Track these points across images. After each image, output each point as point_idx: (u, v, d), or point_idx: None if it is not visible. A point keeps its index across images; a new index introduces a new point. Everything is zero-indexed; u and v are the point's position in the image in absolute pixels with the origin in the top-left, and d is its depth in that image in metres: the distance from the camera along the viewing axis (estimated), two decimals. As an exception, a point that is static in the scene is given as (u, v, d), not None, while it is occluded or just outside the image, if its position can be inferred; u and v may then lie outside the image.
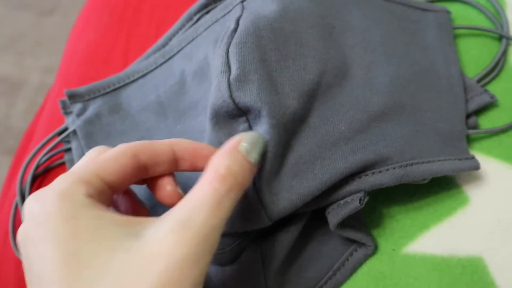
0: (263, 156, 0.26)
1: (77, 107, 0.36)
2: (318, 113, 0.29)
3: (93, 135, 0.35)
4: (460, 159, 0.31)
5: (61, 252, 0.20)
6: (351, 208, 0.28)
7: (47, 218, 0.21)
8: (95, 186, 0.23)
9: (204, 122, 0.31)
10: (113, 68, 0.41)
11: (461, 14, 0.39)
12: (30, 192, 0.37)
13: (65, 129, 0.37)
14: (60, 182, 0.22)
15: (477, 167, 0.31)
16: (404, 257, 0.30)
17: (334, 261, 0.30)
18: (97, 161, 0.24)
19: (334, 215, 0.28)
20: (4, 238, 0.37)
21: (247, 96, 0.27)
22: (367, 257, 0.30)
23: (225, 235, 0.28)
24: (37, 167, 0.37)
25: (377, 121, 0.30)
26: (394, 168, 0.29)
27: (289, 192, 0.27)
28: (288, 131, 0.28)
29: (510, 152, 0.33)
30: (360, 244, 0.30)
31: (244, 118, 0.28)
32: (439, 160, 0.30)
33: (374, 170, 0.29)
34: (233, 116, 0.28)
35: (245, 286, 0.30)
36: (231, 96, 0.27)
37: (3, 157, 0.97)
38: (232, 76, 0.27)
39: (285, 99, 0.28)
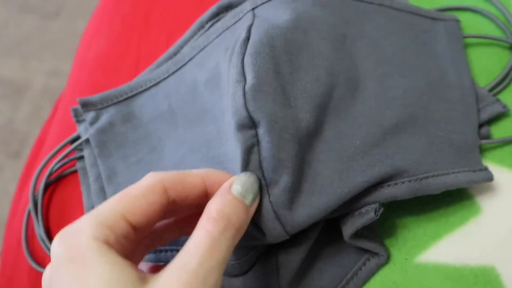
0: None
1: (90, 115, 0.36)
2: (331, 126, 0.29)
3: (106, 144, 0.35)
4: (474, 171, 0.31)
5: None
6: (366, 219, 0.28)
7: (65, 263, 0.21)
8: (118, 231, 0.22)
9: (213, 132, 0.31)
10: (124, 76, 0.41)
11: (471, 24, 0.39)
12: (43, 199, 0.37)
13: (78, 137, 0.38)
14: (83, 226, 0.22)
15: (490, 178, 0.31)
16: (416, 267, 0.30)
17: (347, 270, 0.30)
18: (124, 200, 0.23)
19: (349, 226, 0.28)
20: (17, 245, 0.37)
21: (262, 107, 0.27)
22: (379, 266, 0.30)
23: (240, 246, 0.28)
24: (50, 174, 0.37)
25: (391, 134, 0.30)
26: (410, 181, 0.29)
27: (309, 208, 0.27)
28: (304, 145, 0.28)
29: (522, 162, 0.33)
30: (373, 253, 0.30)
31: (253, 132, 0.27)
32: (454, 173, 0.30)
33: (390, 183, 0.29)
34: (243, 126, 0.27)
35: None
36: (245, 105, 0.27)
37: (8, 160, 0.97)
38: (247, 86, 0.27)
39: (299, 112, 0.28)
